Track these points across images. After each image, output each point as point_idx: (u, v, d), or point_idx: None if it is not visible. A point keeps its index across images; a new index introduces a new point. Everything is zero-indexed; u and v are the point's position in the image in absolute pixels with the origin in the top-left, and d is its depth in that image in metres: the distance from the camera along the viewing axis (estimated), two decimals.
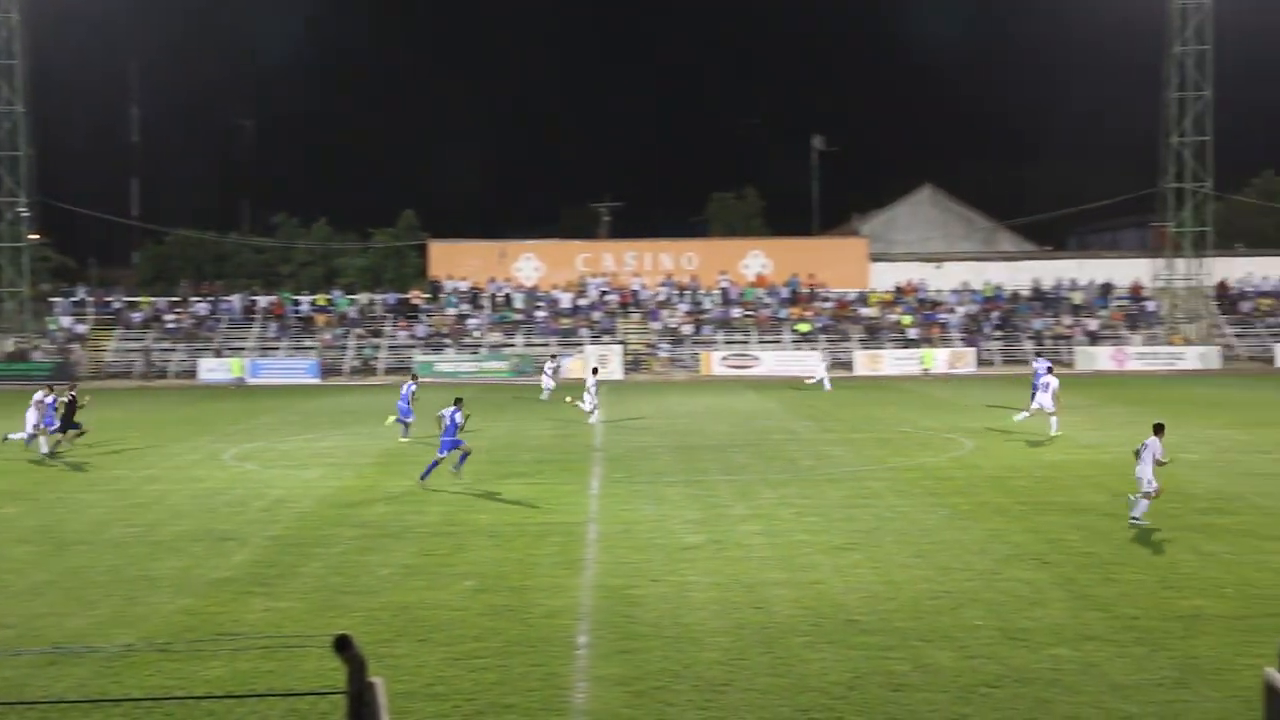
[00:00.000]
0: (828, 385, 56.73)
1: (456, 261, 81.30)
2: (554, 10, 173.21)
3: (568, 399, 46.00)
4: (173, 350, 74.20)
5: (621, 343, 73.01)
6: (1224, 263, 79.22)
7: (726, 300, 78.04)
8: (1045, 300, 78.48)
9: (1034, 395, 39.67)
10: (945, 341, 73.88)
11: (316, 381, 69.61)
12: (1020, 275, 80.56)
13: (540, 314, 76.69)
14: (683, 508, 25.70)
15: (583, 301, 77.83)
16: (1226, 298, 78.12)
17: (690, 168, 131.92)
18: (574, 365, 69.57)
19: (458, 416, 29.03)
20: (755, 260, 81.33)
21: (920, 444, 36.50)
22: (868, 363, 70.35)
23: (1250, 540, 21.68)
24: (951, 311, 76.94)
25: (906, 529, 23.19)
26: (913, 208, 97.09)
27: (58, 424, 35.66)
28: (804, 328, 75.07)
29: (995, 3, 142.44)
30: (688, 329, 75.13)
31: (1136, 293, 78.56)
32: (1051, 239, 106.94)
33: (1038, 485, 28.22)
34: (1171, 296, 77.03)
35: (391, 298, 79.46)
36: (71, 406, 35.96)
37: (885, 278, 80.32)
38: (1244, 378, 63.88)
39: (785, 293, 78.57)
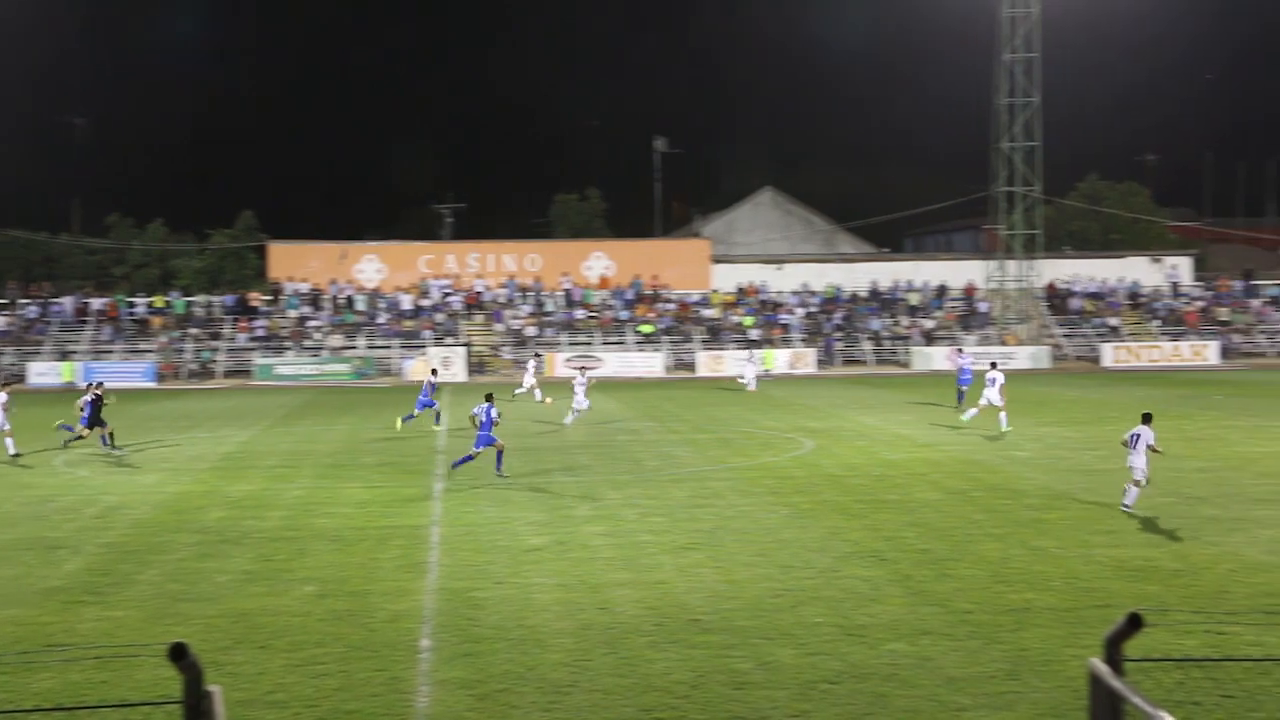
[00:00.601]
0: (753, 385, 56.82)
1: (297, 263, 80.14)
2: (395, 8, 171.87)
3: (547, 400, 45.89)
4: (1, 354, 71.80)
5: (466, 345, 72.66)
6: (1052, 264, 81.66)
7: (570, 302, 78.14)
8: (883, 301, 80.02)
9: (961, 394, 43.36)
10: (786, 342, 74.88)
11: (152, 385, 67.99)
12: (859, 277, 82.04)
13: (382, 316, 75.96)
14: (526, 509, 25.70)
15: (425, 303, 77.28)
16: (1055, 298, 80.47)
17: (533, 169, 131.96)
18: (416, 368, 69.09)
19: (493, 412, 29.88)
20: (598, 262, 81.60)
21: (762, 444, 36.99)
22: (710, 364, 71.02)
23: (1077, 535, 22.39)
24: (792, 313, 78.01)
25: (748, 528, 23.49)
26: (754, 209, 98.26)
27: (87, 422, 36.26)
28: (647, 329, 75.47)
29: (836, 9, 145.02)
30: (531, 330, 75.07)
31: (970, 294, 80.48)
32: (889, 241, 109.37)
33: (875, 484, 28.79)
34: (1003, 297, 79.10)
35: (230, 299, 77.99)
36: (97, 403, 36.33)
37: (727, 279, 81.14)
38: (1072, 376, 65.86)
39: (628, 294, 78.93)
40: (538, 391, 50.96)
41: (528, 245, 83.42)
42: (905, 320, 77.97)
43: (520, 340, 74.10)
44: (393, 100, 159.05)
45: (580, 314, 76.95)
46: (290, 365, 70.26)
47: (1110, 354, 73.94)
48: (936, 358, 71.98)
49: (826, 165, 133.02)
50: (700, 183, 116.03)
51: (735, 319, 76.95)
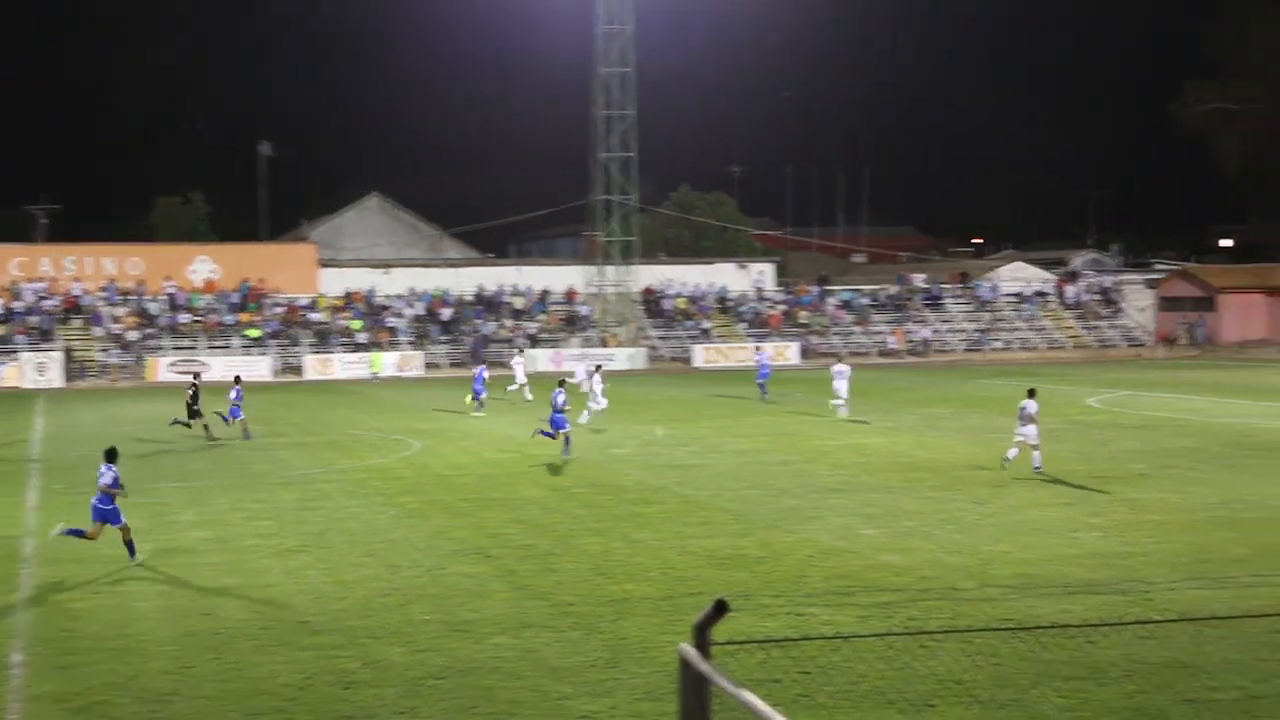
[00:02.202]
0: (529, 394, 51.37)
1: None
2: None
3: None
4: None
5: (65, 350, 69.02)
6: (648, 270, 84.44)
7: (174, 306, 75.48)
8: (488, 305, 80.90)
9: (763, 388, 49.54)
10: (394, 345, 74.72)
11: None
12: (465, 281, 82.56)
13: None
14: (129, 517, 24.82)
15: (18, 306, 72.97)
16: (651, 302, 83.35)
17: (133, 172, 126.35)
18: (9, 374, 65.29)
19: (559, 398, 33.04)
20: (203, 265, 79.06)
21: (370, 445, 37.03)
22: (318, 367, 70.11)
23: (673, 527, 23.56)
24: (400, 316, 77.92)
25: (357, 529, 23.64)
26: (360, 215, 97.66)
27: (242, 413, 38.76)
28: (254, 333, 73.84)
29: (439, 19, 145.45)
30: (133, 335, 72.10)
31: (571, 298, 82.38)
32: (493, 247, 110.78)
33: (481, 482, 29.36)
34: (603, 302, 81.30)
35: None
36: (195, 394, 38.38)
37: (334, 283, 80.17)
38: (667, 376, 68.36)
39: (235, 298, 76.94)
40: (526, 390, 50.20)
41: (128, 248, 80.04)
42: (510, 323, 79.12)
43: (123, 345, 71.06)
44: None
45: (185, 318, 74.50)
46: None
47: (701, 355, 77.18)
48: (540, 359, 73.41)
49: (432, 172, 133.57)
50: (307, 187, 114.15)
51: (343, 322, 76.26)
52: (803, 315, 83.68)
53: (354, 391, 59.50)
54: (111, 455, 21.34)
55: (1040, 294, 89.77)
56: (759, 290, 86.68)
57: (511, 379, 52.23)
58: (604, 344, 77.94)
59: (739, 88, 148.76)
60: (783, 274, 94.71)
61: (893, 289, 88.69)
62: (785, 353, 77.44)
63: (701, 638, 7.13)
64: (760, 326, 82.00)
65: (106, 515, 20.66)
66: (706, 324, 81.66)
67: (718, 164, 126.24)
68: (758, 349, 60.53)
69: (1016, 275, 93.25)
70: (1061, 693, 13.91)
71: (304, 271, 80.00)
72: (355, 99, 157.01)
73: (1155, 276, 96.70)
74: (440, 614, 17.49)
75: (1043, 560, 20.28)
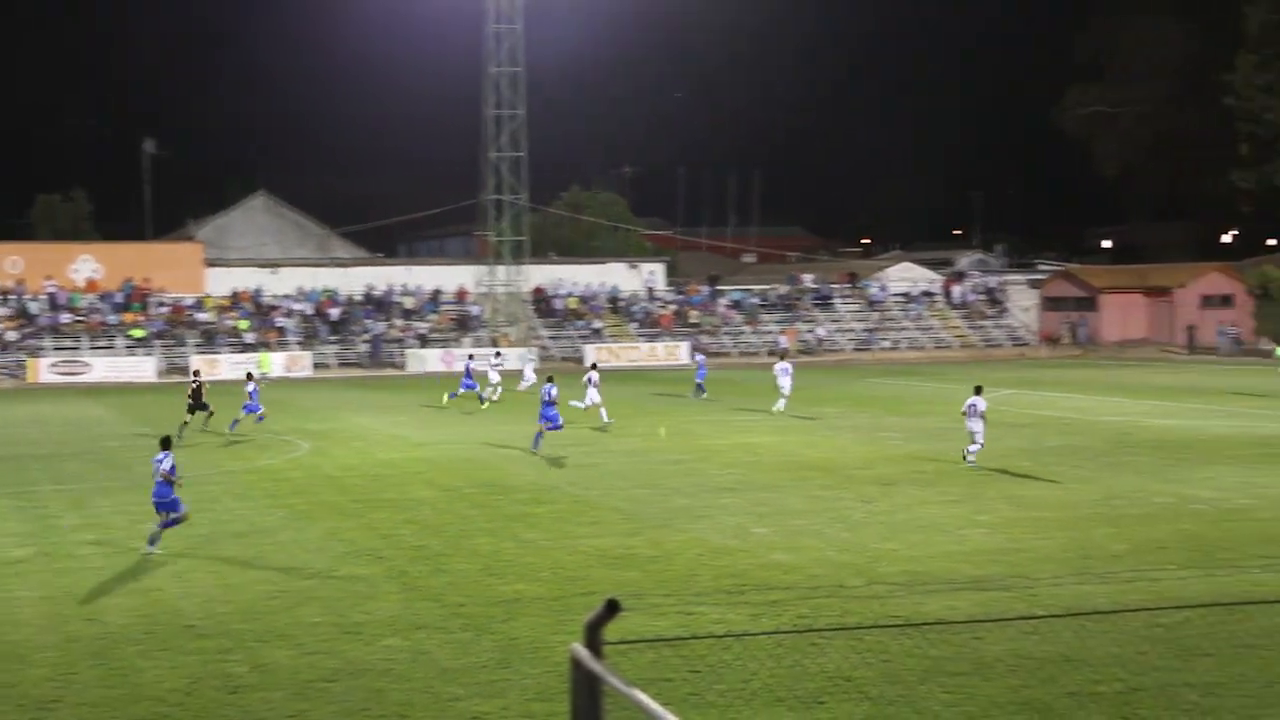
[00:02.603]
0: (497, 395, 50.31)
1: None
2: None
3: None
4: None
5: None
6: (539, 269, 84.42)
7: (55, 305, 73.88)
8: (378, 305, 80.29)
9: (698, 388, 50.21)
10: (282, 345, 73.88)
11: None
12: (354, 281, 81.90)
13: None
14: (6, 520, 24.46)
15: None
16: (541, 302, 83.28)
17: (13, 168, 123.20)
18: None
19: (554, 392, 33.38)
20: (86, 265, 77.51)
21: (259, 447, 36.56)
22: (205, 367, 68.87)
23: (563, 527, 23.56)
24: (288, 316, 77.02)
25: (245, 531, 23.35)
26: (247, 214, 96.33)
27: (261, 408, 38.98)
28: (139, 333, 72.57)
29: (324, 17, 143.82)
30: (12, 335, 70.46)
31: (462, 298, 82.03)
32: (383, 246, 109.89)
33: (372, 483, 29.14)
34: (494, 301, 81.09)
35: None
36: (198, 390, 38.73)
37: (221, 283, 79.06)
38: (560, 376, 68.22)
39: (118, 298, 75.50)
40: (497, 391, 49.43)
41: (7, 247, 78.31)
42: (400, 323, 78.58)
43: (3, 345, 69.37)
44: None
45: (66, 318, 72.97)
46: None
47: (592, 354, 77.20)
48: (431, 359, 73.05)
49: (319, 171, 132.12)
50: (192, 186, 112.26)
51: (230, 323, 75.23)
52: (694, 315, 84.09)
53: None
54: (166, 443, 22.22)
55: (927, 294, 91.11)
56: (650, 290, 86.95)
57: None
58: (495, 344, 77.64)
59: (630, 88, 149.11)
60: (673, 274, 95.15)
61: (783, 289, 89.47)
62: (676, 352, 77.85)
63: (593, 637, 7.10)
64: (651, 326, 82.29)
65: (166, 504, 21.35)
66: (598, 324, 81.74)
67: (609, 164, 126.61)
68: (694, 350, 62.99)
69: (904, 275, 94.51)
70: (948, 688, 14.12)
71: (190, 271, 78.84)
72: (240, 96, 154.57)
73: (1039, 277, 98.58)
74: (330, 616, 17.33)
75: (930, 557, 20.57)
